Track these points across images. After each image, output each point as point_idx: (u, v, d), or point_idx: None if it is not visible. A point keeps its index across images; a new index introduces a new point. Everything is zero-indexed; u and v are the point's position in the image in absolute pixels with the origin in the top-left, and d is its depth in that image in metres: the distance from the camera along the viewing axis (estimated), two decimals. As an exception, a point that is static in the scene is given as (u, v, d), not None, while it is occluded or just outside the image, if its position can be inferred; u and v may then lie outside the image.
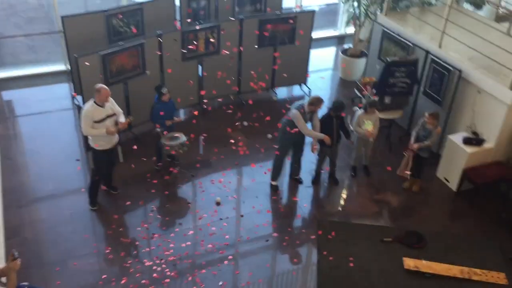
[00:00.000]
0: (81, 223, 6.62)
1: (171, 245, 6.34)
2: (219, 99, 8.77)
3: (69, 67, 8.92)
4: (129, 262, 6.10)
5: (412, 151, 7.03)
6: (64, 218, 6.67)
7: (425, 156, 7.16)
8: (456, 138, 7.38)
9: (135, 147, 7.35)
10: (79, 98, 8.14)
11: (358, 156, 7.64)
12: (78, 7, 12.41)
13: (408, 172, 7.13)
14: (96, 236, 6.48)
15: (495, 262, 6.30)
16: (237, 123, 8.02)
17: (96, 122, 6.25)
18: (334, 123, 6.94)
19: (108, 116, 6.35)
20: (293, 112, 6.75)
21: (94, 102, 6.25)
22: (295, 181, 7.51)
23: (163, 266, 6.06)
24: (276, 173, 7.33)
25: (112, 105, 6.45)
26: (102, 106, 6.28)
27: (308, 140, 7.21)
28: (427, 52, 7.88)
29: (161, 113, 6.99)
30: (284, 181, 7.56)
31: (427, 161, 7.28)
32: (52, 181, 7.27)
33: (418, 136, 7.07)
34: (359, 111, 7.25)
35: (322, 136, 6.84)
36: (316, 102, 6.78)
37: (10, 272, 4.46)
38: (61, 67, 9.94)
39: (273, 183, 7.36)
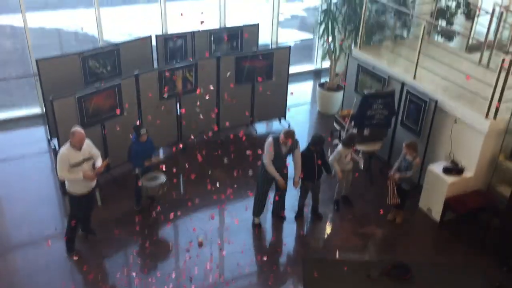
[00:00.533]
0: (58, 272, 6.37)
1: (153, 289, 6.14)
2: (196, 137, 8.71)
3: (44, 110, 8.79)
4: (109, 310, 5.87)
5: (393, 179, 7.04)
6: (40, 267, 6.42)
7: (407, 188, 7.17)
8: (436, 168, 7.42)
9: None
10: (55, 141, 7.98)
11: (340, 190, 7.61)
12: (54, 49, 12.39)
13: (398, 200, 7.13)
14: (74, 285, 6.23)
15: (482, 292, 6.24)
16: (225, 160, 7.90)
17: (73, 166, 6.10)
18: (315, 158, 6.92)
19: (85, 160, 6.21)
20: (268, 140, 6.75)
21: (70, 145, 6.12)
22: (278, 218, 7.40)
23: (145, 313, 5.84)
24: (256, 210, 7.22)
25: (89, 148, 6.32)
26: (78, 149, 6.15)
27: (290, 175, 7.14)
28: (403, 83, 8.01)
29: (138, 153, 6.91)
30: (267, 218, 7.45)
31: (409, 193, 7.28)
32: (27, 227, 7.03)
33: (399, 167, 7.09)
34: (339, 147, 7.25)
35: (277, 177, 6.80)
36: (286, 133, 6.67)
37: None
38: (36, 110, 9.81)
39: (256, 220, 7.24)
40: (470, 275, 6.50)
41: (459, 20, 10.24)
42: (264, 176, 6.93)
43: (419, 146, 7.30)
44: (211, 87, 7.83)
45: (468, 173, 7.30)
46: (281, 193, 7.16)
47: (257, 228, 7.22)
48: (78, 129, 6.19)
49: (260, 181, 7.01)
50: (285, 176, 6.98)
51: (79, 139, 6.08)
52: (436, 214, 7.47)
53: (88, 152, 6.26)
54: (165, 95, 7.86)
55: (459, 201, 7.21)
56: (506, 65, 6.57)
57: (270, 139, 6.74)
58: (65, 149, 6.14)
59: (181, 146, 8.01)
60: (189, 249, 6.77)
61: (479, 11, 9.44)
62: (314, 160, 6.91)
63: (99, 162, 6.35)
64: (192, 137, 8.12)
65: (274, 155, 6.74)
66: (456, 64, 7.87)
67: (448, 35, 10.20)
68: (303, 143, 7.06)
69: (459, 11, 10.09)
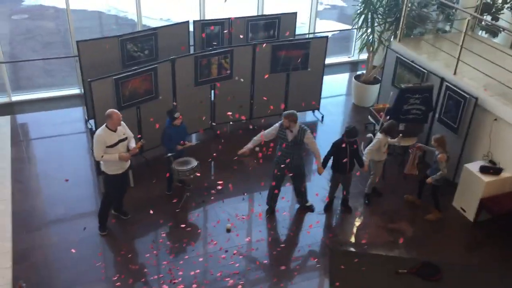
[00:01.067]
0: (90, 249, 6.54)
1: (180, 272, 6.22)
2: (231, 123, 8.75)
3: (83, 91, 8.99)
4: (137, 289, 6.00)
5: (417, 148, 7.13)
6: (73, 243, 6.60)
7: (439, 185, 7.03)
8: (473, 166, 7.21)
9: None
10: (92, 122, 8.16)
11: (372, 183, 7.50)
12: (94, 32, 12.65)
13: (416, 171, 7.17)
14: (104, 262, 6.39)
15: (514, 296, 6.07)
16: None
17: (108, 147, 6.24)
18: (348, 150, 6.83)
19: (121, 141, 6.34)
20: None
21: (106, 126, 6.25)
22: (306, 209, 7.37)
23: (172, 294, 5.94)
24: (268, 199, 7.23)
25: (124, 129, 6.44)
26: (114, 130, 6.27)
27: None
28: (442, 79, 7.79)
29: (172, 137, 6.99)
30: (295, 208, 7.43)
31: (442, 190, 7.13)
32: (63, 205, 7.24)
33: (432, 165, 6.99)
34: (379, 135, 7.14)
35: (245, 148, 6.77)
36: (285, 116, 6.57)
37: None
38: (75, 91, 10.05)
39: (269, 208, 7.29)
40: (503, 278, 6.33)
41: (505, 16, 9.89)
42: (274, 163, 6.90)
43: (456, 143, 7.11)
44: (241, 80, 7.87)
45: (507, 174, 7.07)
46: (297, 184, 7.09)
47: (269, 215, 7.21)
48: (114, 110, 6.31)
49: (273, 168, 6.97)
50: (287, 166, 6.76)
51: (117, 120, 6.21)
52: (471, 214, 7.28)
53: (123, 133, 6.38)
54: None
55: (495, 202, 7.00)
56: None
57: (277, 124, 6.73)
58: (101, 130, 6.28)
59: (218, 132, 8.08)
60: (217, 235, 6.83)
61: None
62: (346, 152, 6.82)
63: (132, 143, 6.47)
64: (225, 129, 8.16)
65: (279, 141, 6.72)
66: (499, 61, 7.60)
67: (493, 31, 9.87)
68: (336, 135, 7.00)
69: (506, 6, 9.74)
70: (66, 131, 8.92)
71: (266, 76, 8.48)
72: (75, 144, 8.62)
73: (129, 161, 6.61)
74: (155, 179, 7.59)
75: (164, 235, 6.84)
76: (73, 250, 6.36)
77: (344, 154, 6.83)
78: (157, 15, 13.30)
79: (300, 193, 7.25)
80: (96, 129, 7.33)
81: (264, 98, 7.63)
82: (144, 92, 7.70)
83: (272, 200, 7.21)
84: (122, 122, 6.37)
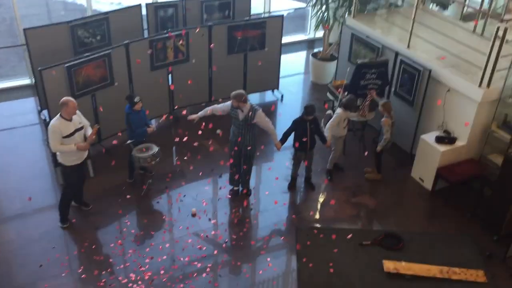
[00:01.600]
0: (51, 242, 6.37)
1: (147, 260, 6.16)
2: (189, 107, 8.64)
3: (34, 80, 8.65)
4: (103, 280, 5.89)
5: (372, 94, 7.53)
6: (33, 237, 6.42)
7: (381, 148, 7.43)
8: (429, 137, 7.42)
9: (104, 150, 7.13)
10: (45, 112, 7.88)
11: (334, 158, 7.61)
12: (42, 19, 12.14)
13: (366, 113, 7.54)
14: (67, 255, 6.25)
15: (473, 260, 6.32)
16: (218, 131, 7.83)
17: (64, 137, 6.04)
18: (308, 127, 6.88)
19: (77, 130, 6.15)
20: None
21: (61, 116, 6.04)
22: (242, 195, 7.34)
23: (139, 283, 5.87)
24: (230, 179, 7.27)
25: (79, 118, 6.25)
26: (69, 120, 6.08)
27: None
28: (397, 53, 7.93)
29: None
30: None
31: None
32: (19, 199, 7.00)
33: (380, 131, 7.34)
34: (339, 110, 7.22)
35: (195, 116, 6.79)
36: (233, 96, 6.56)
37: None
38: (26, 81, 9.66)
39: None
40: (461, 243, 6.59)
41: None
42: (230, 141, 6.94)
43: (412, 115, 7.28)
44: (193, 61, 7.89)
45: (461, 142, 7.32)
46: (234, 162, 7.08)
47: (233, 193, 7.24)
48: (70, 98, 6.11)
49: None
50: (238, 144, 6.79)
51: (72, 109, 6.01)
52: (428, 183, 7.51)
53: (78, 122, 6.19)
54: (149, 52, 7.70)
55: (451, 170, 7.24)
56: (500, 33, 6.51)
57: (229, 102, 6.71)
58: (56, 120, 6.06)
59: (171, 117, 7.96)
60: (182, 220, 6.79)
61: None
62: (307, 130, 6.88)
63: (89, 131, 6.29)
64: (184, 112, 8.05)
65: (232, 120, 6.74)
66: (450, 33, 7.78)
67: (443, 4, 10.07)
68: (296, 113, 7.03)
69: (455, -21, 9.94)
70: (18, 123, 8.59)
71: (214, 69, 8.52)
72: (28, 136, 8.32)
73: (87, 151, 6.44)
74: (115, 167, 7.42)
75: (128, 223, 6.74)
76: (33, 244, 6.19)
77: (304, 132, 6.88)
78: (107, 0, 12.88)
79: (244, 180, 7.22)
80: (50, 119, 7.09)
81: (189, 81, 7.48)
82: (99, 79, 7.48)
83: (232, 179, 7.22)
84: (77, 111, 6.17)
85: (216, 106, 6.82)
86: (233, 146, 6.88)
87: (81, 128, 6.23)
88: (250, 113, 6.60)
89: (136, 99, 6.84)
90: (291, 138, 7.06)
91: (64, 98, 6.08)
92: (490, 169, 7.25)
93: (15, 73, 10.01)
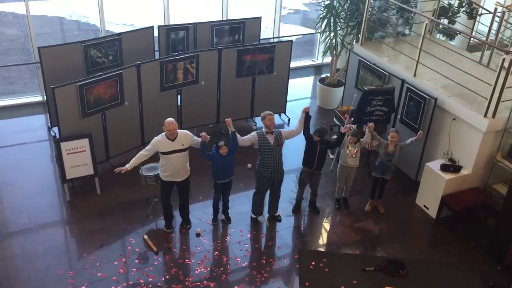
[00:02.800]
0: (56, 259, 6.41)
1: (150, 279, 6.18)
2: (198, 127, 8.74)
3: (45, 98, 8.81)
4: (106, 298, 5.92)
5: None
6: (38, 253, 6.47)
7: (388, 178, 7.40)
8: (434, 165, 7.46)
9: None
10: (55, 129, 8.01)
11: (340, 188, 7.62)
12: (56, 38, 12.41)
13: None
14: (72, 271, 6.28)
15: (476, 289, 6.30)
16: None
17: (162, 153, 6.43)
18: (318, 149, 6.94)
19: (176, 151, 6.40)
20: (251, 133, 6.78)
21: (165, 135, 6.39)
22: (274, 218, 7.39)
23: (142, 301, 5.90)
24: (254, 209, 7.23)
25: (186, 140, 6.48)
26: (171, 140, 6.34)
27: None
28: (403, 81, 8.04)
29: None
30: (264, 212, 7.50)
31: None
32: (27, 215, 7.07)
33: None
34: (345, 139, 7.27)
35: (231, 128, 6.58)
36: (264, 115, 6.67)
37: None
38: (37, 98, 9.84)
39: (253, 216, 7.29)
40: (465, 272, 6.56)
41: (461, 19, 10.27)
42: (258, 173, 6.88)
43: (418, 143, 7.35)
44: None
45: (466, 171, 7.35)
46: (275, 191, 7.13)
47: (254, 222, 7.25)
48: (168, 119, 6.39)
49: (257, 178, 6.96)
50: (272, 173, 6.80)
51: (168, 128, 6.32)
52: (433, 211, 7.52)
53: (181, 144, 6.45)
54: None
55: (455, 199, 7.26)
56: (506, 64, 6.61)
57: (253, 133, 6.75)
58: (160, 136, 6.45)
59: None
60: (186, 239, 6.82)
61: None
62: (316, 149, 6.92)
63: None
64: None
65: (263, 149, 6.67)
66: (456, 63, 7.89)
67: (450, 34, 10.23)
68: (302, 137, 7.06)
69: (461, 10, 10.12)
70: (28, 139, 8.72)
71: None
72: (38, 152, 8.43)
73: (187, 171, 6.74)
74: (120, 185, 7.51)
75: (133, 241, 6.78)
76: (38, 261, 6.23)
77: (314, 152, 6.93)
78: (120, 20, 13.16)
79: (276, 206, 7.27)
80: (60, 136, 7.23)
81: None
82: (109, 98, 7.62)
83: (259, 210, 7.23)
84: (188, 134, 6.53)
85: (244, 138, 6.72)
86: (264, 177, 6.82)
87: (183, 150, 6.44)
88: (276, 133, 6.72)
89: (220, 143, 6.57)
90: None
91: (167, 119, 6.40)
92: (494, 198, 7.26)
93: (27, 90, 10.19)
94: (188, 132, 6.60)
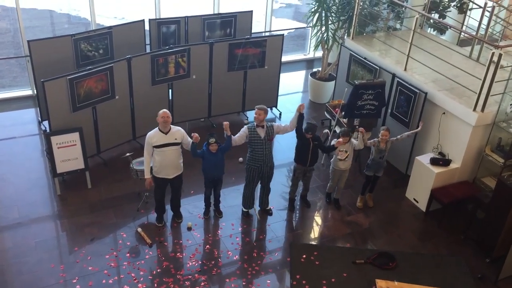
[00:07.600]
0: (47, 252, 6.41)
1: (141, 272, 6.20)
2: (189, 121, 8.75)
3: (35, 91, 8.76)
4: (98, 291, 5.93)
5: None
6: (29, 247, 6.45)
7: (380, 175, 7.43)
8: (424, 159, 7.52)
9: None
10: (45, 123, 7.97)
11: (332, 186, 7.63)
12: (46, 31, 12.31)
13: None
14: (63, 265, 6.27)
15: (465, 281, 6.37)
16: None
17: (155, 147, 6.36)
18: (311, 146, 6.96)
19: (170, 144, 6.37)
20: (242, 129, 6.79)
21: (158, 128, 6.37)
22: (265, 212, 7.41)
23: (133, 294, 5.91)
24: (245, 202, 7.26)
25: (180, 135, 6.47)
26: (164, 132, 6.31)
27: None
28: (394, 75, 8.08)
29: None
30: (256, 206, 7.53)
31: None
32: (18, 209, 7.04)
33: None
34: (334, 141, 7.26)
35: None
36: (261, 107, 6.66)
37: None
38: (27, 92, 9.77)
39: (244, 209, 7.32)
40: (454, 265, 6.64)
41: (452, 14, 10.33)
42: (248, 165, 6.90)
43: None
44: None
45: (455, 165, 7.42)
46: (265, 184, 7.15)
47: (245, 215, 7.28)
48: (162, 110, 6.39)
49: (246, 171, 6.97)
50: (261, 167, 6.83)
51: (159, 120, 6.34)
52: (423, 204, 7.59)
53: (174, 138, 6.45)
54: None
55: (445, 192, 7.33)
56: (495, 58, 6.66)
57: (244, 127, 6.75)
58: (153, 130, 6.45)
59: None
60: (177, 233, 6.84)
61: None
62: (308, 147, 6.95)
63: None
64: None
65: (253, 143, 6.68)
66: (447, 57, 7.94)
67: (441, 28, 10.28)
68: (293, 131, 7.09)
69: (452, 4, 10.17)
70: (18, 133, 8.66)
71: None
72: (28, 146, 8.39)
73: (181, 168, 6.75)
74: (113, 179, 7.50)
75: (124, 235, 6.78)
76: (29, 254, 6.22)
77: (306, 148, 6.95)
78: (111, 14, 13.08)
79: (267, 200, 7.30)
80: (50, 130, 7.20)
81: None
82: (100, 92, 7.59)
83: (249, 203, 7.25)
84: (181, 131, 6.52)
85: (236, 137, 6.70)
86: (253, 170, 6.85)
87: (176, 144, 6.42)
88: (268, 127, 6.71)
89: (211, 140, 6.58)
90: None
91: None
92: (483, 191, 7.34)
93: (17, 84, 10.12)
94: (181, 128, 6.60)
